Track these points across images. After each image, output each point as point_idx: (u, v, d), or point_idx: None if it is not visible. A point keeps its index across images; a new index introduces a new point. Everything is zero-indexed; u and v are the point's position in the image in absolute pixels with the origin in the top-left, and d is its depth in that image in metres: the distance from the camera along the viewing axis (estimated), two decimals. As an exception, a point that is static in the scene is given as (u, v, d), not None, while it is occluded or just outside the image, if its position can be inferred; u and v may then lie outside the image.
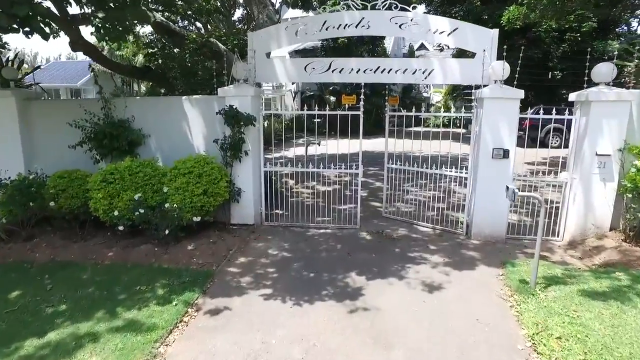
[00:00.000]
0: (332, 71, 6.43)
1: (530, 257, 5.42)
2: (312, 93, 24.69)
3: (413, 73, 6.26)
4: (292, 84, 26.85)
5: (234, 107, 6.03)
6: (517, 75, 5.67)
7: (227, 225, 6.44)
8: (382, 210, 7.75)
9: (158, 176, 6.00)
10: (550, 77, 19.93)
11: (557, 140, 16.86)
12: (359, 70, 6.37)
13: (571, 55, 20.37)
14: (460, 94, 30.74)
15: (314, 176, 8.75)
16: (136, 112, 6.66)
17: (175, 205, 5.64)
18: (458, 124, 33.23)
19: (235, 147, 6.12)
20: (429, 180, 7.24)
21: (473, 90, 6.01)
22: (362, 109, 6.50)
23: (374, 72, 6.35)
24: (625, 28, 21.25)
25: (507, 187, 4.14)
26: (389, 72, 6.32)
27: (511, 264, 5.11)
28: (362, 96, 6.45)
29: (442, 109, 32.33)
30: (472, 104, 5.98)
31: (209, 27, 13.27)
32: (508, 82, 5.70)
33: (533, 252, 5.52)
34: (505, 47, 5.63)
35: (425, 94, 35.55)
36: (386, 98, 7.07)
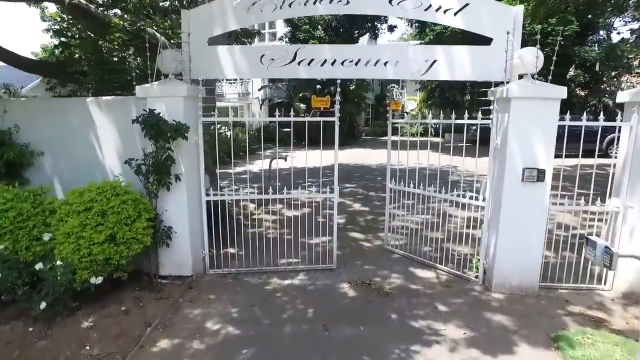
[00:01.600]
0: (299, 63, 4.69)
1: (584, 322, 3.82)
2: (280, 100, 22.92)
3: (409, 65, 4.60)
4: (259, 90, 25.01)
5: (155, 112, 4.17)
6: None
7: (154, 278, 4.52)
8: (370, 245, 6.04)
9: (41, 215, 4.05)
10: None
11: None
12: (335, 61, 4.66)
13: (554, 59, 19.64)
14: (436, 102, 29.75)
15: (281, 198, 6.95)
16: (22, 120, 4.69)
17: (61, 260, 3.71)
18: (433, 133, 32.25)
19: (161, 169, 4.25)
20: (428, 202, 5.61)
21: (492, 90, 4.40)
22: (337, 114, 4.82)
23: (356, 64, 4.65)
24: (604, 35, 20.73)
25: (588, 240, 2.48)
26: (375, 65, 4.63)
27: (566, 340, 3.45)
28: (337, 97, 4.74)
29: (416, 118, 31.32)
30: (491, 106, 4.36)
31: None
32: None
33: (581, 311, 4.05)
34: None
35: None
36: (386, 103, 5.51)
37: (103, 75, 6.31)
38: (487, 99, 4.50)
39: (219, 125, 18.25)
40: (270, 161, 9.54)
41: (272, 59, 4.68)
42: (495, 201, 4.41)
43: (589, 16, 17.57)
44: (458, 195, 4.81)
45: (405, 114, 32.79)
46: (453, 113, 4.69)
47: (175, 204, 4.54)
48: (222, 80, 31.01)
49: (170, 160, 4.29)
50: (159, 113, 4.17)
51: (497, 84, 4.39)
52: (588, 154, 4.92)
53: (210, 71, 4.76)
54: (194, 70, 4.68)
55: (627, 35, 21.96)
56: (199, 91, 4.58)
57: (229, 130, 20.61)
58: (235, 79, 31.29)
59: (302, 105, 21.15)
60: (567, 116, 4.15)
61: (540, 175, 4.09)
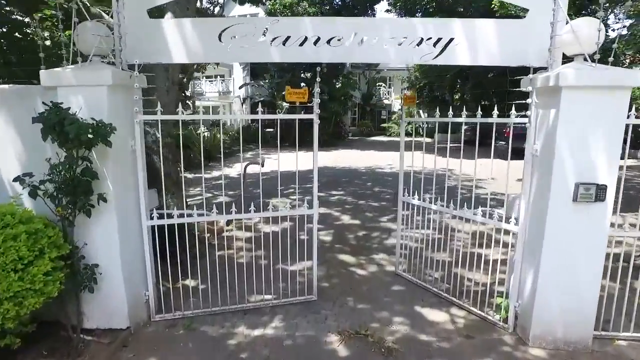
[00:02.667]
0: (271, 42, 3.50)
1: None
2: (262, 99, 21.67)
3: (417, 44, 3.46)
4: (240, 88, 23.72)
5: (62, 106, 2.93)
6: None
7: (74, 333, 3.29)
8: (364, 273, 4.89)
9: None
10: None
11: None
12: (319, 40, 3.48)
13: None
14: (425, 101, 28.85)
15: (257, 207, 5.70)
16: None
17: None
18: (421, 132, 31.25)
19: (75, 188, 3.02)
20: (433, 215, 4.50)
21: (529, 77, 3.29)
22: (316, 111, 3.70)
23: (346, 43, 3.49)
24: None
25: None
26: (372, 44, 3.48)
27: None
28: (316, 89, 3.61)
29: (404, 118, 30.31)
30: (528, 100, 3.25)
31: None
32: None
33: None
34: None
35: (386, 101, 33.52)
36: (402, 94, 4.40)
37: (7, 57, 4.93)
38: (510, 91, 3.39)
39: (192, 125, 16.85)
40: (245, 166, 8.37)
41: (235, 37, 3.49)
42: (534, 226, 3.31)
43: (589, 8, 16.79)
44: (484, 215, 3.70)
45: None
46: (479, 110, 3.58)
47: (100, 234, 3.31)
48: (202, 78, 29.62)
49: (90, 174, 3.06)
50: (68, 108, 2.94)
51: (533, 70, 3.28)
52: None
53: (151, 52, 3.54)
54: (130, 51, 3.46)
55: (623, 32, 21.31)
56: (136, 79, 3.35)
57: (207, 130, 19.30)
58: (203, 70, 29.65)
59: (286, 104, 19.91)
60: (632, 112, 3.07)
61: (600, 193, 2.99)
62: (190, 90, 29.17)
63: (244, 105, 22.06)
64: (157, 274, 3.78)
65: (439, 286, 4.37)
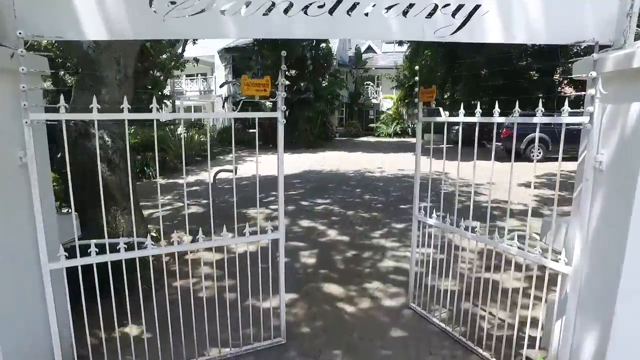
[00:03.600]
0: (223, 10, 2.47)
1: None
2: (243, 98, 20.54)
3: (430, 14, 2.46)
4: (220, 87, 22.55)
5: None
6: None
7: None
8: (354, 310, 3.88)
9: None
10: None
11: (539, 153, 14.16)
12: (291, 6, 2.46)
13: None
14: (414, 100, 28.01)
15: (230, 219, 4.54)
16: None
17: None
18: (410, 133, 30.46)
19: None
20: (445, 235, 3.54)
21: (594, 57, 2.30)
22: (281, 107, 2.71)
23: (331, 11, 2.47)
24: None
25: None
26: (368, 13, 2.47)
27: None
28: (281, 79, 2.64)
29: (392, 117, 29.47)
30: (589, 91, 2.28)
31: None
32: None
33: None
34: None
35: (374, 101, 32.62)
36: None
37: None
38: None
39: (170, 127, 15.70)
40: (215, 174, 7.35)
41: (173, 2, 2.45)
42: (599, 268, 2.34)
43: None
44: (521, 247, 2.73)
45: (381, 113, 30.96)
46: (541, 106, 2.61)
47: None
48: (182, 76, 28.33)
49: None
50: None
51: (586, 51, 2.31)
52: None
53: (51, 24, 2.47)
54: (24, 22, 2.39)
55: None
56: (21, 61, 2.28)
57: (187, 131, 18.00)
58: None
59: (269, 103, 18.85)
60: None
61: None
62: (170, 89, 27.90)
63: (225, 105, 20.90)
64: (94, 316, 2.71)
65: (452, 326, 3.41)
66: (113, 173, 5.05)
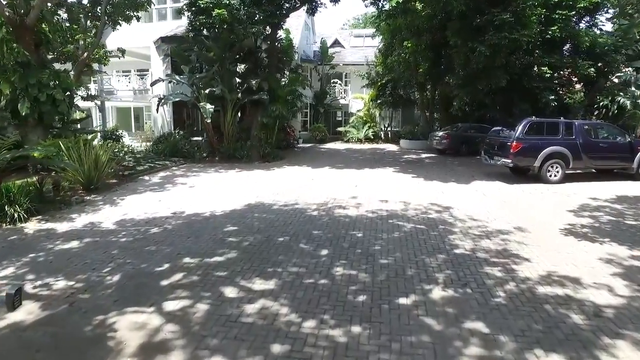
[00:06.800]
0: None
1: None
2: (179, 99, 16.43)
3: None
4: (151, 85, 18.25)
5: None
6: None
7: None
8: None
9: None
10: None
11: (557, 172, 10.96)
12: None
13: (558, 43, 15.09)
14: (387, 100, 24.61)
15: None
16: None
17: None
18: (384, 137, 27.07)
19: None
20: None
21: None
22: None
23: None
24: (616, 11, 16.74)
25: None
26: None
27: None
28: None
29: (364, 120, 26.00)
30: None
31: None
32: None
33: None
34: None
35: (342, 101, 29.01)
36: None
37: None
38: None
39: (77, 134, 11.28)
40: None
41: None
42: None
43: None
44: None
45: (350, 115, 27.40)
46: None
47: None
48: (112, 73, 23.72)
49: None
50: None
51: None
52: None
53: None
54: None
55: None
56: None
57: (95, 138, 13.47)
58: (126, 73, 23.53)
59: (210, 107, 14.76)
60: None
61: None
62: (98, 87, 23.23)
63: (159, 107, 16.64)
64: None
65: None
66: None
